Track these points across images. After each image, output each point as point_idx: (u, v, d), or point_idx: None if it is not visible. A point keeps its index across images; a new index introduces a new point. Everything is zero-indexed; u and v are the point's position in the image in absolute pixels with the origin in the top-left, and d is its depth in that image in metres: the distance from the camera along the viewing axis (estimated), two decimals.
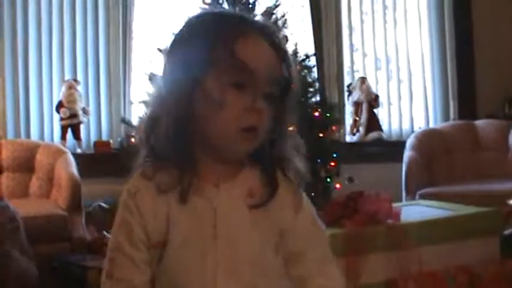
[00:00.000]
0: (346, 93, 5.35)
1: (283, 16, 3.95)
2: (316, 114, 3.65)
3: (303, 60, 3.88)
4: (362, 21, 5.44)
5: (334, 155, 3.70)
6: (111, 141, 4.91)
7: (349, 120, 5.35)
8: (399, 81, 5.47)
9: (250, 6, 3.87)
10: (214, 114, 1.14)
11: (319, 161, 3.61)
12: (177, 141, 1.16)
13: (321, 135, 3.64)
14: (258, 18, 1.23)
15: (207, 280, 1.16)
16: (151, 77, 3.64)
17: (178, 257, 1.18)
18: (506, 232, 2.74)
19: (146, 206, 1.18)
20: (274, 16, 3.90)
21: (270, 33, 1.19)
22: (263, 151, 1.21)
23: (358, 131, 5.26)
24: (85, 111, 4.82)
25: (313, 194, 3.59)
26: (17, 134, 4.80)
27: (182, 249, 1.18)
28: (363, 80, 5.31)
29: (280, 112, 1.20)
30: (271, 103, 1.17)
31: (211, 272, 1.16)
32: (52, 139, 4.85)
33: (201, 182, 1.18)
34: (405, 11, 5.45)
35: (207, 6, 3.82)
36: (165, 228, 1.18)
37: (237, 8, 3.79)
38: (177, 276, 1.18)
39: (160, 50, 3.71)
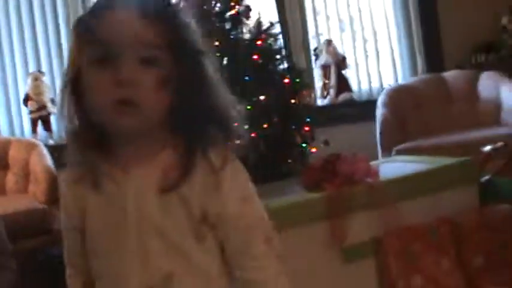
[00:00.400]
0: (313, 58, 5.35)
1: None
2: (286, 80, 3.63)
3: (268, 28, 3.85)
4: None
5: (308, 120, 3.69)
6: None
7: (318, 83, 5.35)
8: (365, 41, 5.48)
9: None
10: (88, 93, 1.12)
11: (293, 127, 3.60)
12: (79, 127, 1.16)
13: (292, 101, 3.62)
14: None
15: (122, 269, 1.15)
16: None
17: (94, 244, 1.19)
18: (483, 179, 2.77)
19: (68, 194, 1.21)
20: None
21: (140, 2, 1.11)
22: (186, 127, 1.15)
23: (328, 93, 5.27)
24: (54, 102, 4.77)
25: (289, 160, 3.60)
26: None
27: (97, 236, 1.18)
28: (329, 42, 5.31)
29: (179, 77, 1.12)
30: (156, 69, 1.10)
31: (125, 261, 1.15)
32: (23, 133, 4.79)
33: (113, 167, 1.16)
34: None
35: None
36: (83, 215, 1.19)
37: None
38: (97, 264, 1.19)
39: None
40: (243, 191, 1.19)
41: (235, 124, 1.21)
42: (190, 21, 1.17)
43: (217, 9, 3.79)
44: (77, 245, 1.22)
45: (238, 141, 1.22)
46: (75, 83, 1.14)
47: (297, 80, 3.69)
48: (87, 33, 1.11)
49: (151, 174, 1.13)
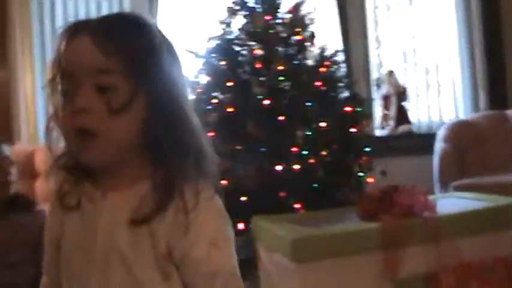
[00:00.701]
0: (374, 87, 5.34)
1: (310, 13, 3.94)
2: (347, 109, 3.64)
3: (332, 55, 3.88)
4: (387, 14, 5.42)
5: (366, 149, 3.69)
6: None
7: (378, 114, 5.33)
8: (427, 73, 5.44)
9: (276, 3, 3.88)
10: (59, 123, 1.10)
11: (351, 155, 3.61)
12: (64, 151, 1.14)
13: (352, 130, 3.63)
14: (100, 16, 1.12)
15: None
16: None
17: (65, 264, 1.15)
18: None
19: (52, 209, 1.19)
20: (301, 12, 3.91)
21: (94, 27, 1.07)
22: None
23: (387, 124, 5.25)
24: None
25: (346, 188, 3.60)
26: None
27: (69, 257, 1.14)
28: (391, 73, 5.29)
29: (146, 104, 1.06)
30: (113, 95, 1.04)
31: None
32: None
33: (93, 188, 1.12)
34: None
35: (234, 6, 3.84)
36: (62, 233, 1.16)
37: (263, 6, 3.81)
38: (66, 284, 1.15)
39: (195, 54, 3.74)
40: (214, 235, 1.09)
41: (211, 160, 1.13)
42: (160, 46, 1.10)
43: (282, 34, 3.83)
44: (54, 260, 1.19)
45: (218, 180, 1.14)
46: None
47: (359, 109, 3.69)
48: (55, 63, 1.09)
49: (126, 202, 1.08)
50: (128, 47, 1.05)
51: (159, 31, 1.13)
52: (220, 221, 1.12)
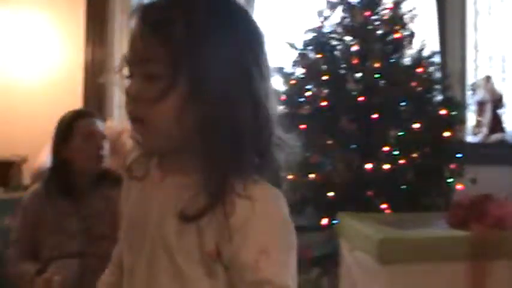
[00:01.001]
0: (469, 92, 5.21)
1: (410, 11, 3.89)
2: (442, 112, 3.57)
3: (429, 56, 3.81)
4: (487, 18, 5.27)
5: (458, 155, 3.61)
6: None
7: (471, 120, 5.20)
8: None
9: None
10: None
11: (442, 160, 3.54)
12: None
13: (444, 134, 3.56)
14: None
15: (132, 275, 1.10)
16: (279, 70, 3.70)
17: (123, 238, 1.15)
18: None
19: (124, 183, 1.19)
20: (400, 10, 3.85)
21: (141, 11, 1.04)
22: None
23: (480, 131, 5.11)
24: None
25: (434, 194, 3.53)
26: None
27: (125, 230, 1.14)
28: (488, 79, 5.14)
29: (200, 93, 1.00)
30: (159, 83, 1.00)
31: (137, 267, 1.08)
32: None
33: (157, 169, 1.10)
34: None
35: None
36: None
37: (362, 2, 3.78)
38: (125, 256, 1.14)
39: (291, 45, 3.75)
40: (266, 241, 0.98)
41: (279, 157, 1.05)
42: (206, 30, 1.02)
43: (380, 31, 3.79)
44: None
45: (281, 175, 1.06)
46: None
47: (453, 113, 3.62)
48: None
49: (179, 190, 1.04)
50: (165, 35, 1.00)
51: (213, 11, 1.03)
52: (275, 226, 1.01)
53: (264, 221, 0.99)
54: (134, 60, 1.03)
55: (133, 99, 1.03)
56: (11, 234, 2.45)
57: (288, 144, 1.06)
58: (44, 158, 3.01)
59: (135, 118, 1.03)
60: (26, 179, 3.94)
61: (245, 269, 0.97)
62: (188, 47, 1.00)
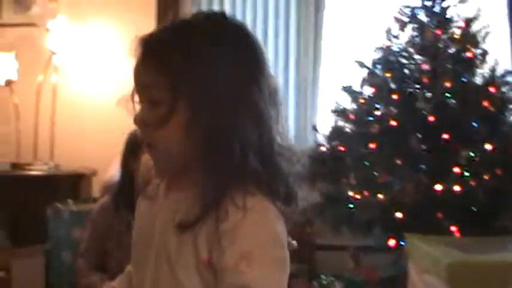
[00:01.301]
0: None
1: (482, 29, 3.81)
2: None
3: (503, 75, 3.72)
4: None
5: None
6: None
7: None
8: None
9: (446, 17, 3.78)
10: None
11: None
12: None
13: None
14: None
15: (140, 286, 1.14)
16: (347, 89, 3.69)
17: (132, 250, 1.20)
18: None
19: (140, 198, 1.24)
20: (472, 28, 3.78)
21: (143, 39, 1.09)
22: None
23: None
24: None
25: (506, 217, 3.44)
26: None
27: (133, 245, 1.20)
28: None
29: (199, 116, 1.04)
30: (162, 108, 1.05)
31: (144, 280, 1.13)
32: None
33: (165, 186, 1.15)
34: None
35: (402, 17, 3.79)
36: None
37: (433, 20, 3.73)
38: (133, 268, 1.21)
39: (360, 64, 3.73)
40: (250, 249, 1.00)
41: (280, 172, 1.07)
42: (212, 61, 1.06)
43: (451, 49, 3.73)
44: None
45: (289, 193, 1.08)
46: None
47: None
48: None
49: (179, 204, 1.08)
50: (164, 62, 1.05)
51: (211, 38, 1.07)
52: (262, 236, 1.03)
53: (253, 229, 1.02)
54: (138, 87, 1.09)
55: (141, 124, 1.09)
56: (80, 245, 2.52)
57: (297, 157, 1.10)
58: (113, 171, 3.07)
59: (147, 143, 1.10)
60: (96, 191, 4.03)
61: (225, 271, 1.00)
62: (186, 74, 1.04)
